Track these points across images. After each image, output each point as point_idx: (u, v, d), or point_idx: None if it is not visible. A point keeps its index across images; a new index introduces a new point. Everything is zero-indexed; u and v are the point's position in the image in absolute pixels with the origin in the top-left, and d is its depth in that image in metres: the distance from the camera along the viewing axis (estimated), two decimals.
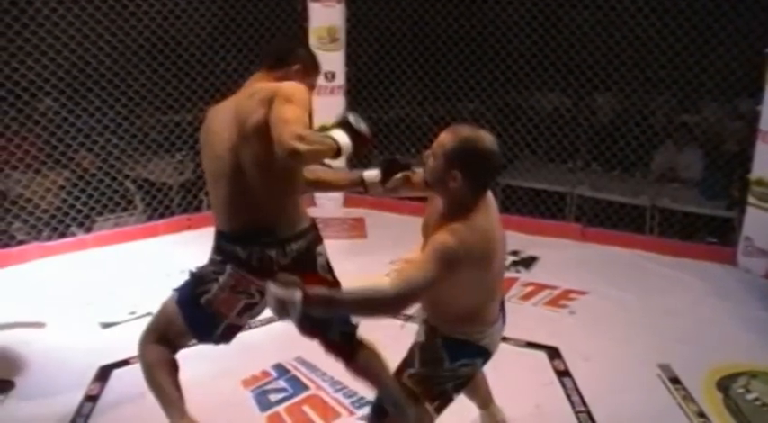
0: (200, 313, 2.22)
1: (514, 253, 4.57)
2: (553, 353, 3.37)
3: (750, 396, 3.04)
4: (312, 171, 2.36)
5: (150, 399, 2.31)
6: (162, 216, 5.20)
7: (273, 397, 2.99)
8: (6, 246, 4.57)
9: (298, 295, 1.76)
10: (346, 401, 2.93)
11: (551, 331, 3.57)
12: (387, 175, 2.28)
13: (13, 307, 3.85)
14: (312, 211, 5.20)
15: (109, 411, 2.89)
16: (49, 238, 4.72)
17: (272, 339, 3.25)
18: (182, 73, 5.18)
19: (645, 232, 5.08)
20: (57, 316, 3.74)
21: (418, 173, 2.16)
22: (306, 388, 3.05)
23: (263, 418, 2.85)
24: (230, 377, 3.07)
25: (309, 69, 2.26)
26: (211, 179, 2.22)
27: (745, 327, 3.68)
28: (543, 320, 3.75)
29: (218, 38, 5.36)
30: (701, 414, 2.90)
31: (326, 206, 5.54)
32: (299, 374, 3.15)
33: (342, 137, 2.07)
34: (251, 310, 2.25)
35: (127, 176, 5.24)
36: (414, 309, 2.11)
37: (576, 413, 2.90)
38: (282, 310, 1.78)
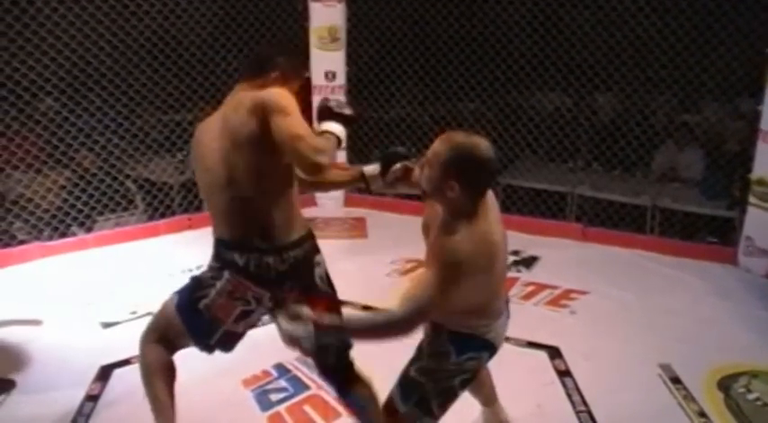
0: (198, 318, 2.22)
1: (515, 253, 4.57)
2: (554, 353, 3.37)
3: (751, 396, 3.04)
4: None
5: None
6: (163, 216, 5.21)
7: (274, 397, 3.00)
8: (7, 245, 4.57)
9: (310, 329, 1.81)
10: None
11: (552, 331, 3.57)
12: (386, 167, 2.29)
13: (14, 306, 3.86)
14: (313, 211, 5.35)
15: (110, 411, 2.90)
16: (50, 238, 4.73)
17: (272, 339, 3.22)
18: (182, 72, 5.18)
19: (645, 232, 5.08)
20: (58, 315, 3.75)
21: (417, 167, 2.18)
22: (307, 388, 3.05)
23: (264, 418, 2.86)
24: (231, 377, 3.08)
25: (288, 77, 2.26)
26: (206, 191, 2.24)
27: (746, 326, 3.68)
28: (544, 320, 3.75)
29: (218, 37, 5.36)
30: (702, 414, 2.90)
31: (327, 206, 5.55)
32: (299, 374, 3.15)
33: (336, 128, 2.18)
34: (248, 317, 2.26)
35: (128, 176, 5.25)
36: None
37: (577, 413, 2.90)
38: (296, 344, 1.83)
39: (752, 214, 4.39)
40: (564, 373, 3.20)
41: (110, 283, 4.18)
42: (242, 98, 2.12)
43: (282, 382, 3.11)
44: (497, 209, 2.02)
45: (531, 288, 4.14)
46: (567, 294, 4.06)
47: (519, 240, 4.62)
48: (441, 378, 2.09)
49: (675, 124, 5.58)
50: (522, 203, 5.49)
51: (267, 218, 2.14)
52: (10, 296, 4.04)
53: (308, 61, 5.29)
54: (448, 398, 2.11)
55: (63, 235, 4.77)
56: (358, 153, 5.69)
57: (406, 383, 2.13)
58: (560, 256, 4.63)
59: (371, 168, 2.36)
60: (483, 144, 1.90)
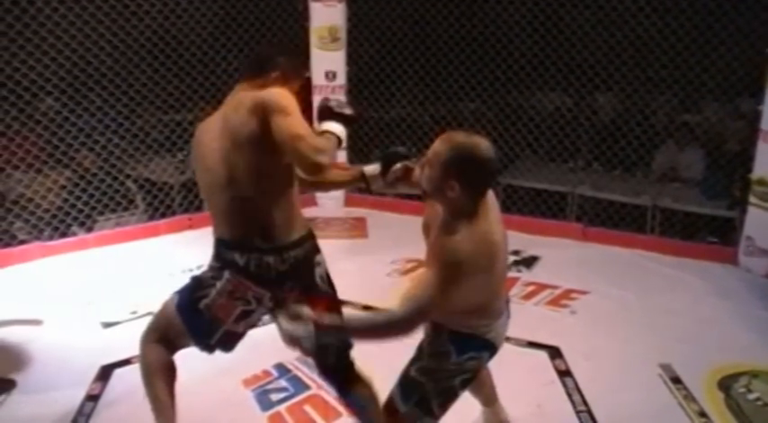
0: (198, 318, 2.22)
1: (516, 253, 4.57)
2: (554, 352, 3.37)
3: (751, 396, 3.04)
4: None
5: None
6: (163, 215, 5.21)
7: (274, 396, 3.00)
8: (8, 245, 4.58)
9: (310, 329, 1.82)
10: None
11: (552, 331, 3.57)
12: (386, 166, 2.29)
13: (15, 306, 3.86)
14: (313, 211, 5.35)
15: (110, 411, 2.90)
16: (51, 238, 4.73)
17: (273, 339, 3.22)
18: (183, 72, 5.19)
19: (646, 232, 5.08)
20: (58, 315, 3.75)
21: (417, 167, 2.18)
22: (307, 387, 3.05)
23: (265, 418, 2.86)
24: (231, 377, 3.08)
25: (289, 77, 2.27)
26: (206, 191, 2.24)
27: (747, 326, 3.68)
28: (544, 320, 3.75)
29: (219, 37, 5.36)
30: (703, 414, 2.90)
31: (328, 206, 5.55)
32: (300, 374, 3.15)
33: (336, 127, 2.18)
34: (248, 317, 2.26)
35: (128, 176, 5.25)
36: None
37: (577, 413, 2.90)
38: (296, 344, 1.83)
39: (752, 214, 4.39)
40: (564, 373, 3.20)
41: (110, 282, 4.19)
42: (242, 98, 2.12)
43: (283, 382, 3.11)
44: (498, 209, 2.02)
45: (531, 288, 4.14)
46: (567, 294, 4.06)
47: (519, 240, 4.62)
48: (441, 378, 2.09)
49: (676, 124, 5.58)
50: (522, 203, 5.49)
51: (267, 218, 2.14)
52: (10, 296, 4.04)
53: (308, 61, 5.29)
54: (448, 398, 2.11)
55: (63, 235, 4.77)
56: (358, 153, 5.69)
57: (406, 383, 2.13)
58: (561, 256, 4.63)
59: (372, 168, 2.37)
60: (483, 144, 1.90)
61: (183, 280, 2.35)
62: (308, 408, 2.92)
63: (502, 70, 5.40)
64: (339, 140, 2.17)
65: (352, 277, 3.47)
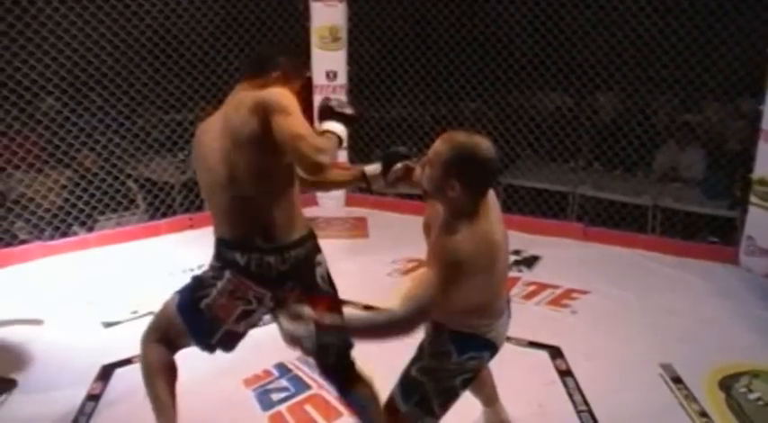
0: (199, 318, 2.22)
1: (516, 252, 4.57)
2: (555, 352, 3.37)
3: (752, 396, 3.04)
4: None
5: None
6: (164, 215, 5.21)
7: (275, 396, 3.00)
8: (9, 245, 4.58)
9: (311, 328, 1.83)
10: None
11: (553, 331, 3.57)
12: (387, 166, 2.29)
13: (16, 306, 3.86)
14: (314, 211, 5.35)
15: (111, 410, 2.90)
16: (52, 238, 4.73)
17: (273, 339, 3.22)
18: (183, 72, 5.19)
19: (647, 232, 5.08)
20: (59, 315, 3.75)
21: (418, 166, 2.18)
22: (308, 387, 3.05)
23: (265, 418, 2.86)
24: (232, 376, 3.08)
25: (290, 76, 2.27)
26: (207, 190, 2.24)
27: (748, 326, 3.68)
28: (545, 320, 3.74)
29: (219, 37, 5.36)
30: (704, 414, 2.90)
31: (328, 205, 5.55)
32: (300, 374, 3.15)
33: (337, 127, 2.19)
34: (249, 317, 2.26)
35: (129, 176, 5.25)
36: None
37: (578, 412, 2.90)
38: (297, 344, 1.84)
39: (753, 214, 4.39)
40: (565, 373, 3.20)
41: (111, 282, 4.19)
42: (243, 98, 2.12)
43: (283, 382, 3.11)
44: (498, 208, 2.02)
45: (532, 288, 4.14)
46: (568, 294, 4.06)
47: (520, 240, 4.62)
48: (442, 378, 2.09)
49: (677, 124, 5.58)
50: (523, 203, 5.49)
51: (268, 217, 2.14)
52: (11, 296, 4.04)
53: (309, 61, 5.30)
54: (449, 397, 2.11)
55: (64, 234, 4.77)
56: (359, 152, 5.69)
57: (407, 383, 2.13)
58: (561, 256, 4.63)
59: (373, 168, 2.37)
60: (484, 144, 1.90)
61: (184, 280, 2.35)
62: (308, 407, 2.92)
63: (503, 70, 5.40)
64: (340, 140, 2.18)
65: (352, 277, 3.47)
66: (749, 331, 3.62)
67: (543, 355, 3.35)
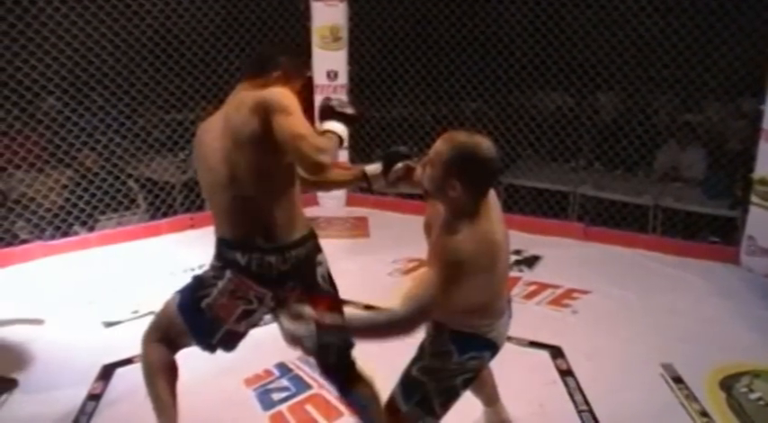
0: (200, 318, 2.22)
1: (517, 252, 4.57)
2: (556, 352, 3.37)
3: (753, 396, 3.04)
4: None
5: None
6: (165, 215, 5.21)
7: (276, 396, 3.00)
8: (10, 244, 4.58)
9: (312, 328, 1.83)
10: None
11: (554, 330, 3.57)
12: (388, 166, 2.29)
13: (16, 305, 3.86)
14: (315, 211, 5.35)
15: (112, 410, 2.90)
16: (53, 237, 4.74)
17: (274, 338, 3.23)
18: (184, 72, 5.19)
19: (648, 231, 5.07)
20: (60, 314, 3.76)
21: (418, 166, 2.18)
22: (308, 387, 3.05)
23: (266, 418, 2.86)
24: (233, 376, 3.08)
25: (290, 76, 2.27)
26: (208, 190, 2.24)
27: (748, 326, 3.68)
28: (546, 320, 3.74)
29: (220, 37, 5.36)
30: (704, 413, 2.90)
31: (329, 205, 5.55)
32: (301, 373, 3.15)
33: (338, 127, 2.19)
34: (249, 316, 2.26)
35: (130, 175, 5.25)
36: None
37: (579, 412, 2.90)
38: (298, 343, 1.84)
39: (754, 214, 4.38)
40: (566, 373, 3.20)
41: (112, 282, 4.19)
42: (244, 97, 2.12)
43: (284, 382, 3.11)
44: (499, 208, 2.02)
45: (533, 287, 4.14)
46: (569, 294, 4.06)
47: (521, 240, 4.62)
48: (443, 377, 2.09)
49: (677, 124, 5.57)
50: (524, 203, 5.49)
51: (269, 217, 2.14)
52: (12, 295, 4.04)
53: (309, 60, 5.30)
54: (450, 397, 2.11)
55: (65, 234, 4.78)
56: (360, 152, 5.69)
57: (407, 383, 2.13)
58: (562, 256, 4.63)
59: (373, 168, 2.37)
60: (485, 143, 1.90)
61: (185, 279, 2.35)
62: (309, 407, 2.92)
63: (503, 70, 5.40)
64: (340, 140, 2.18)
65: (353, 277, 3.47)
66: (750, 331, 3.62)
67: (544, 355, 3.35)
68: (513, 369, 2.79)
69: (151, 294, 3.53)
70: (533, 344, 3.42)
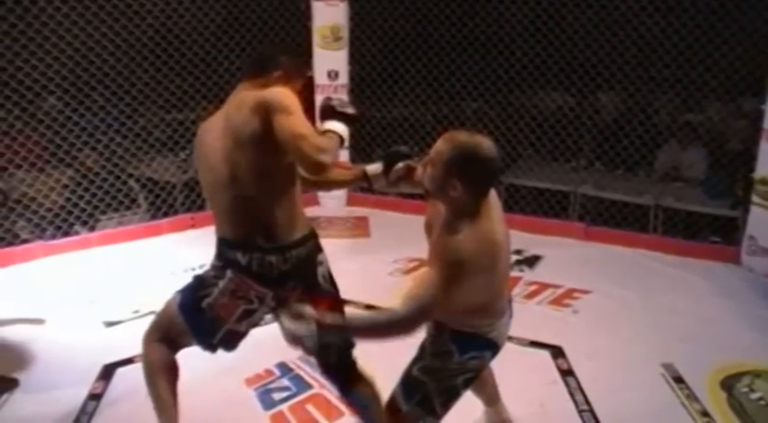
0: (200, 317, 2.22)
1: (518, 252, 4.57)
2: (557, 352, 3.37)
3: (754, 395, 3.04)
4: None
5: None
6: (166, 215, 5.22)
7: (277, 396, 3.00)
8: (10, 244, 4.58)
9: (312, 328, 1.83)
10: None
11: (555, 330, 3.57)
12: (389, 166, 2.29)
13: (17, 305, 3.86)
14: (315, 210, 5.35)
15: (112, 410, 2.91)
16: (53, 237, 4.74)
17: (275, 338, 3.22)
18: (185, 72, 5.19)
19: (648, 231, 5.07)
20: (60, 314, 3.76)
21: (419, 166, 2.18)
22: (309, 387, 3.05)
23: (267, 417, 2.86)
24: (233, 376, 3.08)
25: (291, 76, 2.27)
26: (209, 190, 2.24)
27: (749, 326, 3.67)
28: (547, 319, 3.74)
29: (221, 37, 5.36)
30: (705, 413, 2.90)
31: (329, 205, 5.55)
32: (302, 373, 3.15)
33: (339, 127, 2.19)
34: (250, 316, 2.26)
35: (131, 175, 5.26)
36: None
37: (580, 412, 2.90)
38: (298, 343, 1.85)
39: (755, 213, 4.38)
40: (567, 373, 3.20)
41: (113, 281, 4.19)
42: (244, 97, 2.12)
43: (285, 381, 3.11)
44: (500, 208, 2.02)
45: (533, 287, 4.14)
46: (569, 294, 4.06)
47: (522, 240, 4.62)
48: (443, 377, 2.09)
49: (678, 123, 5.57)
50: (524, 203, 5.49)
51: (270, 217, 2.14)
52: (13, 295, 4.05)
53: (310, 60, 5.30)
54: (451, 397, 2.11)
55: (66, 234, 4.78)
56: (360, 152, 5.69)
57: (408, 383, 2.13)
58: (563, 256, 4.63)
59: (374, 167, 2.37)
60: (486, 143, 1.90)
61: (186, 279, 2.35)
62: (310, 407, 2.92)
63: (504, 69, 5.40)
64: (341, 140, 2.18)
65: (354, 276, 3.47)
66: (751, 331, 3.62)
67: (545, 355, 3.35)
68: (513, 369, 2.79)
69: (152, 294, 3.53)
70: (534, 344, 3.42)
